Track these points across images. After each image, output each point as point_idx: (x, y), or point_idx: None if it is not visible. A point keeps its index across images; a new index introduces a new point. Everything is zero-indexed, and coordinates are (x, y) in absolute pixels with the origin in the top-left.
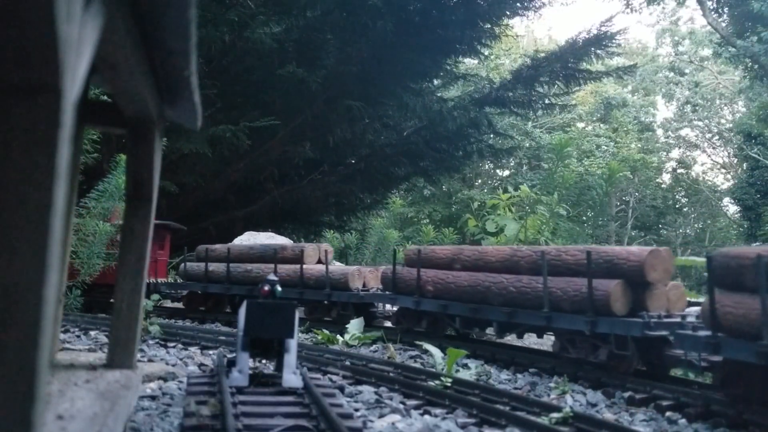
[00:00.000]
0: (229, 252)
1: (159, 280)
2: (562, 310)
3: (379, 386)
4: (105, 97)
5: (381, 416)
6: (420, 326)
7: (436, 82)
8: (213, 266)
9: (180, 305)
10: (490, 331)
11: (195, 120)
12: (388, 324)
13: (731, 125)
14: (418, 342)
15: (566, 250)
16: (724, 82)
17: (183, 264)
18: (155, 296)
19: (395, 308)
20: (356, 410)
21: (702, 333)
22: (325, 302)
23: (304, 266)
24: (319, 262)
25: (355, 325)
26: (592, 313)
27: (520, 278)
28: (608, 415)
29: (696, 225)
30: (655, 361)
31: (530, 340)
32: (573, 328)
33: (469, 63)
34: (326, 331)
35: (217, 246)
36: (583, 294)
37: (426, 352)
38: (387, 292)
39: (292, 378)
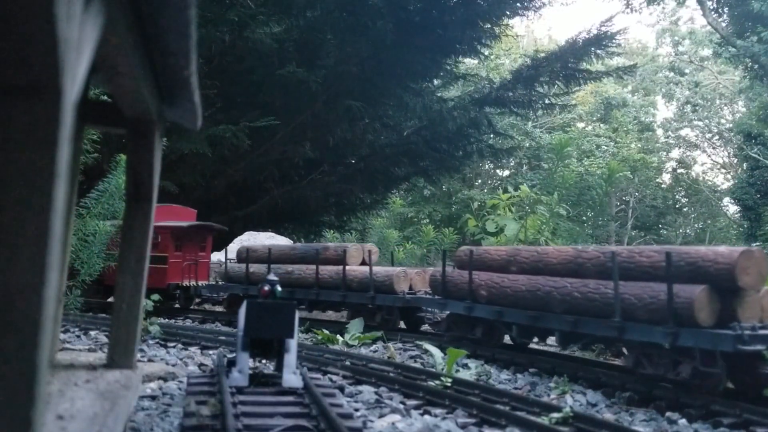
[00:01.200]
0: (270, 253)
1: (200, 282)
2: (636, 319)
3: (379, 386)
4: (105, 97)
5: (381, 416)
6: (473, 334)
7: (436, 82)
8: (254, 267)
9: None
10: (551, 341)
11: (195, 120)
12: (436, 330)
13: (731, 125)
14: (418, 342)
15: (640, 251)
16: (724, 82)
17: (224, 265)
18: (155, 296)
19: (445, 314)
20: (356, 410)
21: None
22: (369, 306)
23: (347, 267)
24: (363, 263)
25: (355, 325)
26: (673, 324)
27: (586, 282)
28: (608, 415)
29: (696, 225)
30: (748, 379)
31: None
32: (649, 341)
33: (469, 63)
34: (326, 331)
35: (259, 246)
36: (662, 301)
37: (426, 352)
38: (436, 297)
39: (292, 378)
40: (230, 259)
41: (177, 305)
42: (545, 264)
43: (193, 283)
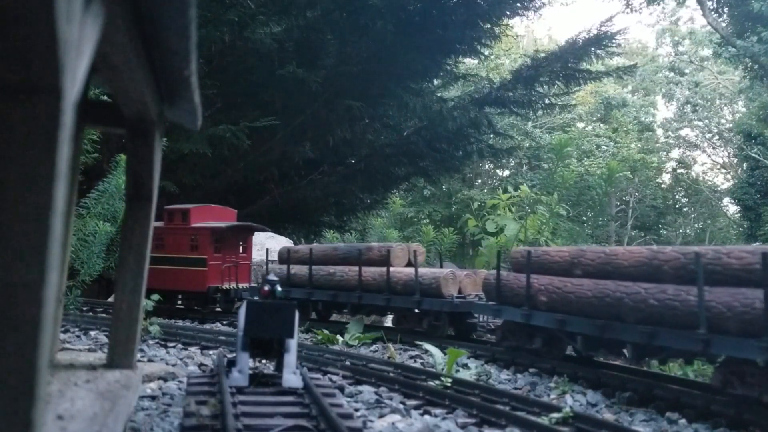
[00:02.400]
0: (311, 253)
1: (241, 285)
2: (725, 331)
3: (379, 386)
4: (105, 97)
5: (381, 416)
6: (531, 344)
7: (436, 82)
8: (295, 269)
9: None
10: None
11: (195, 120)
12: (490, 338)
13: (731, 125)
14: (418, 342)
15: (729, 251)
16: (724, 82)
17: (267, 266)
18: (155, 296)
19: (499, 321)
20: (356, 410)
21: None
22: (415, 310)
23: (392, 269)
24: (409, 264)
25: (355, 325)
26: None
27: (664, 288)
28: (608, 415)
29: (696, 225)
30: None
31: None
32: (742, 357)
33: (469, 63)
34: (326, 331)
35: (300, 246)
36: (757, 310)
37: (426, 352)
38: (489, 302)
39: (292, 378)
40: (272, 260)
41: (218, 309)
42: (614, 266)
43: (233, 286)
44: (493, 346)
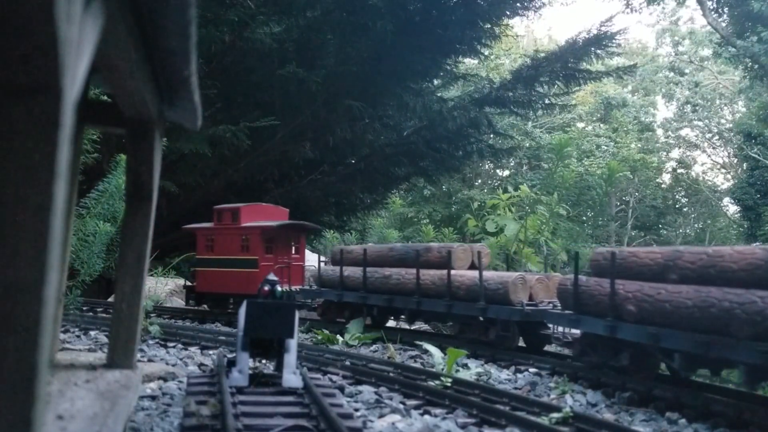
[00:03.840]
0: (365, 254)
1: (294, 287)
2: None
3: (379, 386)
4: (105, 97)
5: (381, 416)
6: (617, 361)
7: (436, 82)
8: (349, 271)
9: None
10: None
11: (195, 120)
12: (565, 351)
13: (731, 125)
14: (418, 342)
15: None
16: (724, 82)
17: (319, 268)
18: (154, 296)
19: (578, 333)
20: (356, 410)
21: None
22: (480, 318)
23: (453, 272)
24: (472, 267)
25: (355, 325)
26: None
27: None
28: (608, 415)
29: (696, 225)
30: None
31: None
32: None
33: (469, 63)
34: (326, 331)
35: (354, 247)
36: None
37: (426, 352)
38: (566, 311)
39: (292, 378)
40: (324, 261)
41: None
42: (720, 270)
43: (286, 288)
44: (572, 361)
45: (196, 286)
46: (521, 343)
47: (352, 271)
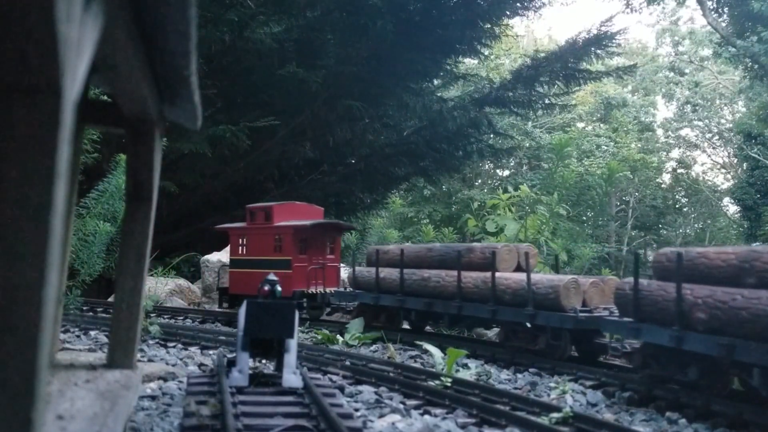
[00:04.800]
0: (402, 255)
1: (328, 289)
2: None
3: (379, 386)
4: (105, 97)
5: (381, 416)
6: (683, 375)
7: (436, 82)
8: (385, 272)
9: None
10: None
11: (195, 120)
12: (624, 363)
13: (731, 125)
14: (418, 342)
15: None
16: (724, 82)
17: (354, 269)
18: (154, 296)
19: (638, 343)
20: (356, 410)
21: None
22: (528, 325)
23: (497, 274)
24: (518, 269)
25: (355, 325)
26: None
27: None
28: (608, 415)
29: (696, 225)
30: None
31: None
32: None
33: (469, 63)
34: (326, 331)
35: (391, 246)
36: None
37: (426, 352)
38: (624, 319)
39: (292, 378)
40: (359, 263)
41: (304, 315)
42: None
43: (320, 290)
44: (630, 373)
45: (229, 287)
46: (573, 353)
47: (389, 273)
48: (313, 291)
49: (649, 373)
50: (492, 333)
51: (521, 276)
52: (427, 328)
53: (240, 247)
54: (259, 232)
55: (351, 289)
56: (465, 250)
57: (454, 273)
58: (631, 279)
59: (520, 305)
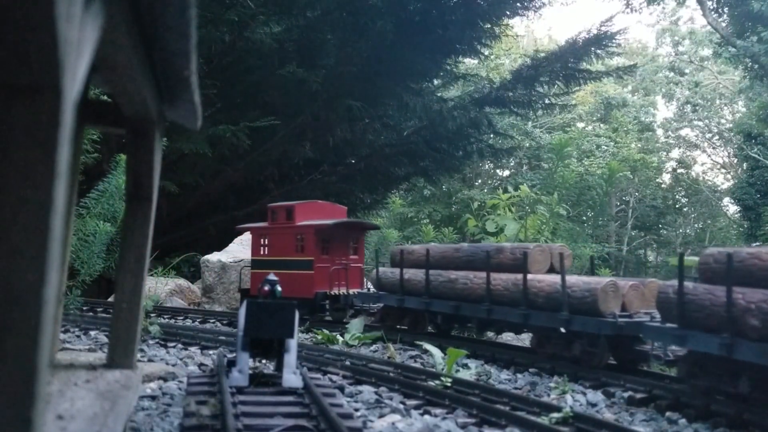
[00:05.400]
0: (428, 255)
1: (352, 291)
2: None
3: (379, 386)
4: (105, 97)
5: (381, 416)
6: (734, 387)
7: (436, 82)
8: (410, 273)
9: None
10: None
11: (195, 120)
12: (668, 371)
13: (731, 125)
14: (418, 342)
15: None
16: (724, 82)
17: (377, 270)
18: (154, 296)
19: (682, 351)
20: (356, 410)
21: None
22: (562, 331)
23: (529, 276)
24: (552, 270)
25: (355, 325)
26: None
27: None
28: (608, 415)
29: (696, 225)
30: None
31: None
32: None
33: (469, 63)
34: (326, 331)
35: (416, 246)
36: None
37: (426, 352)
38: (668, 325)
39: (292, 378)
40: (382, 263)
41: (328, 317)
42: None
43: (343, 291)
44: (674, 383)
45: (251, 289)
46: (611, 360)
47: (414, 274)
48: (336, 292)
49: (695, 383)
50: (520, 337)
51: (555, 278)
52: (454, 332)
53: (261, 248)
54: (280, 232)
55: (374, 291)
56: (494, 251)
57: (483, 274)
58: (674, 282)
59: (554, 309)
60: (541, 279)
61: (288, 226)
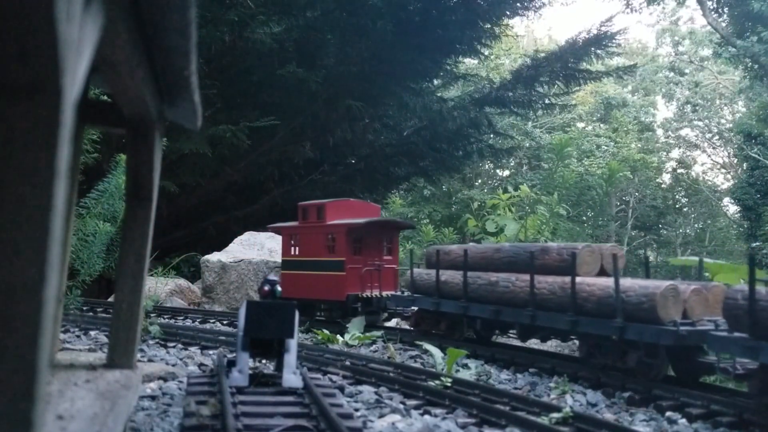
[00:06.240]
0: (466, 256)
1: (385, 293)
2: None
3: (379, 386)
4: (105, 97)
5: (381, 416)
6: None
7: (436, 82)
8: (446, 275)
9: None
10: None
11: (195, 120)
12: (731, 384)
13: (731, 125)
14: (418, 342)
15: None
16: (724, 82)
17: (412, 272)
18: (154, 296)
19: (753, 365)
20: (356, 410)
21: None
22: (615, 339)
23: (578, 279)
24: (602, 272)
25: (355, 325)
26: None
27: None
28: (608, 415)
29: (696, 225)
30: None
31: (530, 342)
32: None
33: (469, 63)
34: (326, 331)
35: (453, 247)
36: None
37: (426, 352)
38: (737, 334)
39: (292, 378)
40: (417, 263)
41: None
42: None
43: (375, 294)
44: (745, 399)
45: (282, 290)
46: (670, 372)
47: (451, 276)
48: (368, 295)
49: (766, 402)
50: (562, 343)
51: (607, 281)
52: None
53: (292, 248)
54: (311, 232)
55: (409, 293)
56: (539, 251)
57: (526, 277)
58: (743, 286)
59: (606, 316)
60: (592, 282)
61: (318, 225)
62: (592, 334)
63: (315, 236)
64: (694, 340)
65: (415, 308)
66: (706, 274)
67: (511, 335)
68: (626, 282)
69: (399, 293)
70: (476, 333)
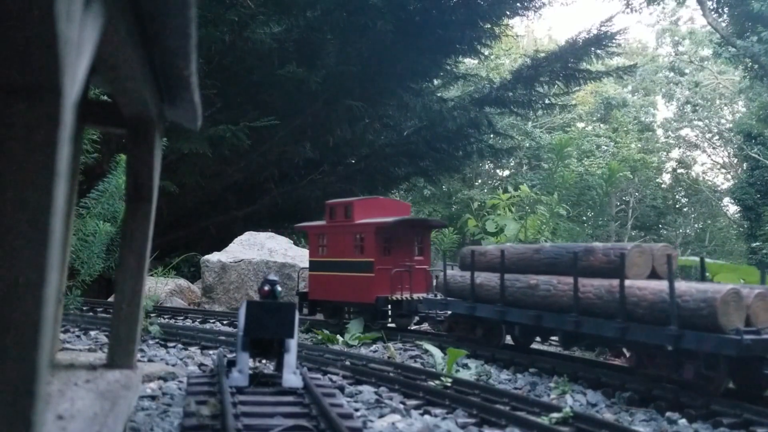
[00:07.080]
0: (503, 257)
1: (416, 295)
2: None
3: (379, 386)
4: (105, 97)
5: (381, 416)
6: None
7: (436, 82)
8: (482, 277)
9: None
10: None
11: (195, 120)
12: None
13: (731, 125)
14: (418, 342)
15: None
16: (724, 82)
17: (445, 274)
18: (154, 296)
19: None
20: (356, 410)
21: None
22: (669, 348)
23: (627, 282)
24: (653, 275)
25: (355, 325)
26: None
27: None
28: (608, 415)
29: (696, 225)
30: None
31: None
32: None
33: (469, 63)
34: (326, 331)
35: (489, 247)
36: None
37: (426, 352)
38: None
39: (292, 378)
40: (450, 264)
41: (390, 324)
42: None
43: (406, 296)
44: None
45: (309, 292)
46: (730, 386)
47: (486, 278)
48: (398, 297)
49: None
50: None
51: (660, 285)
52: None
53: (319, 248)
54: (338, 231)
55: (442, 296)
56: (583, 252)
57: (570, 280)
58: None
59: (659, 323)
60: (643, 286)
61: (346, 224)
62: (643, 342)
63: (342, 236)
64: (762, 350)
65: (449, 312)
66: (707, 274)
67: (552, 342)
68: (681, 286)
69: (431, 296)
70: (514, 340)
